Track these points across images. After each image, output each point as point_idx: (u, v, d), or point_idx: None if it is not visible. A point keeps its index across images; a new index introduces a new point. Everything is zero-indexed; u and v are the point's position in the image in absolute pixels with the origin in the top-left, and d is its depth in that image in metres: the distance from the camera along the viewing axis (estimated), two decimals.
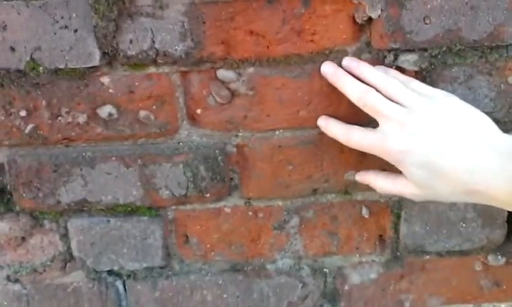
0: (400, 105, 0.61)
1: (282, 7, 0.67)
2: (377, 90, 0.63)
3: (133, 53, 0.69)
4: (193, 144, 0.77)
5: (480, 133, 0.57)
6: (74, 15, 0.67)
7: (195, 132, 0.76)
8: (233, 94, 0.73)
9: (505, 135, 0.57)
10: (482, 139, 0.56)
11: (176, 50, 0.69)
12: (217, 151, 0.76)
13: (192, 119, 0.75)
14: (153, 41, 0.69)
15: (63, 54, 0.69)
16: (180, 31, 0.68)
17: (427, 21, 0.67)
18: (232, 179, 0.79)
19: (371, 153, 0.64)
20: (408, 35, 0.68)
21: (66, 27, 0.68)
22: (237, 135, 0.76)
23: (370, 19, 0.68)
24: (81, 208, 0.79)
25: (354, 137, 0.65)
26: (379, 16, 0.67)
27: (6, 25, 0.67)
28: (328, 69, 0.68)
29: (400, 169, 0.63)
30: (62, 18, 0.67)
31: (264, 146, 0.76)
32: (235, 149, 0.77)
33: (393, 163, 0.62)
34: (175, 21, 0.67)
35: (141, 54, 0.69)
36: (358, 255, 0.84)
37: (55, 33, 0.68)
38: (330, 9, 0.68)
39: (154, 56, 0.69)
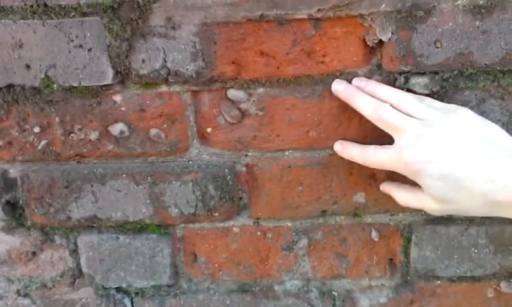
0: (416, 118, 0.60)
1: (293, 29, 0.68)
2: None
3: (145, 72, 0.70)
4: (203, 162, 0.77)
5: (498, 143, 0.57)
6: (88, 34, 0.68)
7: (205, 150, 0.77)
8: (243, 114, 0.73)
9: None
10: (499, 149, 0.56)
11: (187, 69, 0.70)
12: (226, 170, 0.76)
13: (203, 138, 0.76)
14: (165, 61, 0.70)
15: (76, 72, 0.70)
16: (191, 51, 0.69)
17: (438, 45, 0.67)
18: (241, 198, 0.79)
19: (389, 168, 0.63)
20: (419, 58, 0.68)
21: (80, 46, 0.69)
22: (246, 155, 0.76)
23: (381, 42, 0.68)
24: (91, 224, 0.80)
25: (371, 155, 0.65)
26: (389, 39, 0.67)
27: (22, 44, 0.69)
28: (339, 86, 0.68)
29: (418, 182, 0.60)
30: (77, 37, 0.68)
31: (273, 166, 0.76)
32: (244, 169, 0.77)
33: (411, 176, 0.61)
34: (187, 41, 0.68)
35: (153, 73, 0.70)
36: (367, 279, 0.83)
37: (69, 52, 0.69)
38: (341, 32, 0.68)
39: (166, 75, 0.70)
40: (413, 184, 0.63)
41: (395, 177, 0.68)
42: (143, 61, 0.70)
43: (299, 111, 0.72)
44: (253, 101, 0.72)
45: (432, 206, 0.62)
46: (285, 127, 0.73)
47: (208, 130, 0.75)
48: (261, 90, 0.72)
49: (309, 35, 0.68)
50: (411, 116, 0.61)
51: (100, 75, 0.70)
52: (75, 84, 0.71)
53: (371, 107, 0.64)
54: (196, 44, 0.68)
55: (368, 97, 0.65)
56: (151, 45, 0.69)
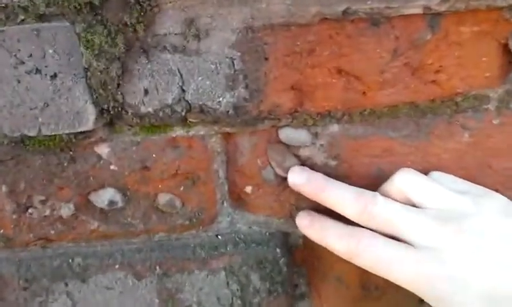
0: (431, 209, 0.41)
1: (395, 32, 0.41)
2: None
3: (149, 109, 0.42)
4: (239, 237, 0.50)
5: None
6: (51, 51, 0.39)
7: (241, 218, 0.49)
8: (304, 163, 0.46)
9: None
10: None
11: (219, 103, 0.42)
12: (278, 249, 0.49)
13: (238, 200, 0.48)
14: (183, 90, 0.42)
15: (33, 113, 0.41)
16: (226, 73, 0.41)
17: None
18: (296, 286, 0.52)
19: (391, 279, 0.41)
20: None
21: (37, 70, 0.40)
22: None
23: None
24: None
25: (366, 248, 0.41)
26: None
27: None
28: (298, 175, 0.46)
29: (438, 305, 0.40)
30: (30, 56, 0.39)
31: None
32: (301, 241, 0.51)
33: (429, 294, 0.40)
34: (220, 57, 0.40)
35: (163, 110, 0.42)
36: None
37: (19, 81, 0.40)
38: (470, 33, 0.42)
39: (184, 113, 0.42)
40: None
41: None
42: (146, 91, 0.41)
43: (395, 158, 0.46)
44: (321, 145, 0.45)
45: None
46: (371, 183, 0.46)
47: (248, 189, 0.48)
48: (335, 128, 0.45)
49: (421, 40, 0.41)
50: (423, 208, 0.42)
51: (74, 117, 0.42)
52: (32, 133, 0.42)
53: (353, 203, 0.42)
54: (235, 61, 0.41)
55: (346, 186, 0.44)
56: (159, 66, 0.41)
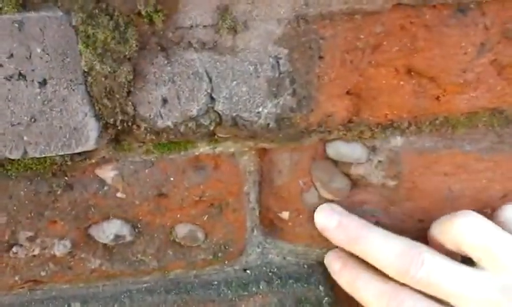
0: None
1: (484, 21, 0.31)
2: None
3: (168, 123, 0.32)
4: (272, 271, 0.41)
5: None
6: (38, 49, 0.29)
7: (274, 248, 0.41)
8: (356, 184, 0.37)
9: None
10: None
11: (258, 114, 0.33)
12: (320, 286, 0.40)
13: (270, 226, 0.40)
14: (212, 98, 0.32)
15: (15, 131, 0.31)
16: (269, 77, 0.31)
17: None
18: None
19: None
20: None
21: (21, 75, 0.30)
22: None
23: None
24: None
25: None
26: None
27: None
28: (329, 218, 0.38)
29: None
30: (11, 56, 0.29)
31: None
32: None
33: None
34: (261, 56, 0.31)
35: (186, 124, 0.32)
36: None
37: None
38: None
39: (212, 127, 0.33)
40: None
41: None
42: (165, 101, 0.32)
43: (471, 177, 0.37)
44: (379, 161, 0.36)
45: None
46: (438, 207, 0.37)
47: (284, 214, 0.39)
48: (397, 141, 0.36)
49: None
50: None
51: (70, 135, 0.32)
52: (15, 155, 0.32)
53: (394, 262, 0.34)
54: (281, 61, 0.31)
55: (386, 236, 0.36)
56: (182, 68, 0.31)
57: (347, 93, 0.34)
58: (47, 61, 0.30)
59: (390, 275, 0.34)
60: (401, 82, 0.34)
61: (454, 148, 0.37)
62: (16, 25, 0.29)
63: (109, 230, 0.37)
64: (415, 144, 0.37)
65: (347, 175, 0.38)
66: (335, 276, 0.39)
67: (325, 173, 0.38)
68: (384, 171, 0.37)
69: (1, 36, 0.29)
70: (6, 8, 0.29)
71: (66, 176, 0.35)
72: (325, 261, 0.40)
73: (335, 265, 0.39)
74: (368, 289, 0.36)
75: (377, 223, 0.39)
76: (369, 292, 0.36)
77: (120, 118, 0.32)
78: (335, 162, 0.38)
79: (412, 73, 0.34)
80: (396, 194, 0.38)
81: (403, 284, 0.34)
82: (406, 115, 0.36)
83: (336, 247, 0.38)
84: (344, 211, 0.38)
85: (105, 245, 0.38)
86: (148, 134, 0.34)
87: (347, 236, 0.36)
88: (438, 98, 0.35)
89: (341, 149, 0.37)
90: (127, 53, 0.30)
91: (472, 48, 0.33)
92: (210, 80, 0.32)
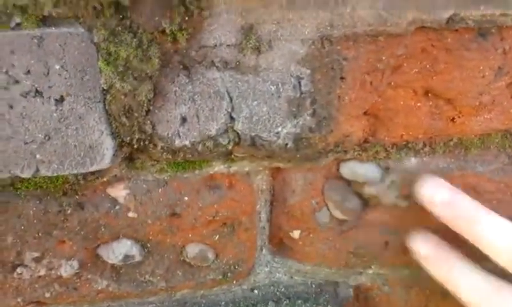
0: None
1: (503, 45, 0.32)
2: None
3: (185, 142, 0.31)
4: (279, 290, 0.40)
5: None
6: (57, 66, 0.28)
7: (282, 266, 0.40)
8: (367, 204, 0.37)
9: None
10: None
11: (277, 134, 0.32)
12: (329, 305, 0.40)
13: (279, 245, 0.39)
14: (232, 118, 0.31)
15: (28, 149, 0.30)
16: (289, 97, 0.31)
17: None
18: None
19: None
20: None
21: (37, 92, 0.29)
22: (361, 273, 0.40)
23: None
24: None
25: None
26: None
27: None
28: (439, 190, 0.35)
29: None
30: (28, 73, 0.28)
31: (413, 291, 0.40)
32: (351, 292, 0.42)
33: None
34: (283, 76, 0.31)
35: (203, 143, 0.32)
36: None
37: (11, 106, 0.29)
38: None
39: (231, 146, 0.32)
40: None
41: None
42: (184, 120, 0.31)
43: (482, 198, 0.37)
44: (392, 182, 0.36)
45: None
46: (448, 228, 0.38)
47: (295, 233, 0.38)
48: (411, 162, 0.36)
49: None
50: None
51: (85, 153, 0.31)
52: (26, 174, 0.31)
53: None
54: (302, 82, 0.31)
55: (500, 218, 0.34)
56: (203, 87, 0.30)
57: (365, 113, 0.34)
58: (65, 78, 0.29)
59: (501, 263, 0.33)
60: (418, 104, 0.34)
61: (466, 169, 0.37)
62: (36, 40, 0.28)
63: (118, 250, 0.36)
64: (428, 165, 0.37)
65: (358, 195, 0.38)
66: (423, 261, 0.36)
67: (337, 193, 0.38)
68: (397, 191, 0.37)
69: (19, 52, 0.28)
70: (25, 23, 0.28)
71: (77, 194, 0.34)
72: (409, 244, 0.37)
73: (424, 249, 0.36)
74: (467, 283, 0.34)
75: (387, 243, 0.39)
76: (468, 287, 0.34)
77: (137, 136, 0.32)
78: (348, 182, 0.38)
79: (429, 94, 0.34)
80: (406, 214, 0.38)
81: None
82: (422, 136, 0.36)
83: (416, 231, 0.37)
84: (453, 187, 0.35)
85: (113, 265, 0.37)
86: (165, 153, 0.33)
87: (458, 216, 0.34)
88: (453, 119, 0.35)
89: (355, 169, 0.37)
90: (148, 71, 0.29)
91: (490, 71, 0.33)
92: (231, 99, 0.32)
